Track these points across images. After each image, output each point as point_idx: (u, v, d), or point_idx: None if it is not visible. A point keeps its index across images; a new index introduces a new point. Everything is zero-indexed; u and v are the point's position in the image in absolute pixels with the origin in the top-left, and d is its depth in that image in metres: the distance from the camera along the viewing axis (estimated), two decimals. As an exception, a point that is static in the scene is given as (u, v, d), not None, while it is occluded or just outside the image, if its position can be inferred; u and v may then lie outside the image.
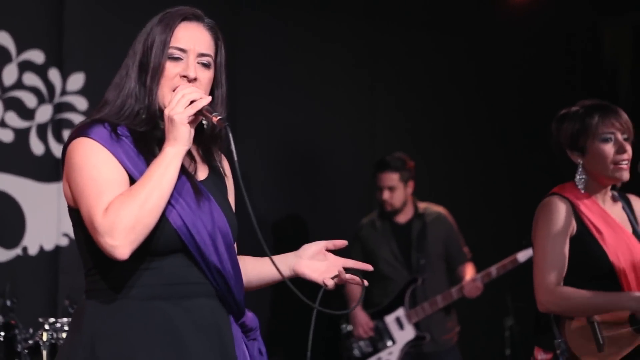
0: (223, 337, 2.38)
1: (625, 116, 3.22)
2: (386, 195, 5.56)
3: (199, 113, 2.30)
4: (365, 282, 2.49)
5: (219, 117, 2.30)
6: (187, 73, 2.35)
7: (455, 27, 6.53)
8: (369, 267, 2.53)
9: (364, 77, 6.34)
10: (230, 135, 2.29)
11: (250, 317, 2.47)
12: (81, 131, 2.31)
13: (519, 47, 6.66)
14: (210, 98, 2.32)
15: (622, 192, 3.35)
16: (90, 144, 2.28)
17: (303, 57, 5.97)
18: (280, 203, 5.92)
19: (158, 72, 2.34)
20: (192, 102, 2.29)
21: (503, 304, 6.14)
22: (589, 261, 3.19)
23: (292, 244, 6.59)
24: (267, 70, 5.71)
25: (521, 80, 6.67)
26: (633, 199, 3.36)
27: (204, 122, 2.38)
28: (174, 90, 2.33)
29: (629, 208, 3.32)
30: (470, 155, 6.56)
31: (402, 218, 5.64)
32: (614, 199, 3.31)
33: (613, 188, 3.32)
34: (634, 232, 3.27)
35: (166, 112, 2.29)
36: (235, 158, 2.26)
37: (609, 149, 3.19)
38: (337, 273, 2.51)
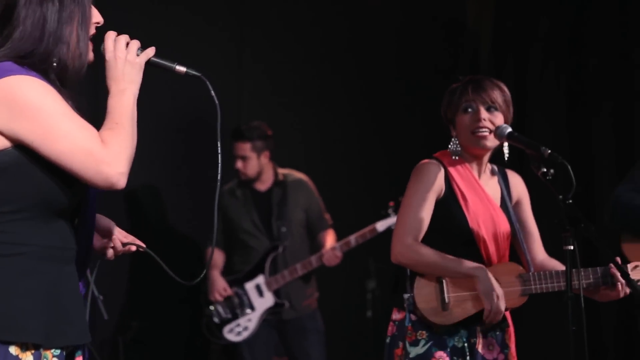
0: (84, 305, 2.36)
1: (492, 88, 3.29)
2: (239, 164, 5.55)
3: (149, 62, 2.36)
4: (142, 244, 2.56)
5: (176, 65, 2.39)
6: (100, 19, 2.35)
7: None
8: (141, 244, 2.59)
9: (231, 44, 6.27)
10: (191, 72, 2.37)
11: (80, 284, 2.46)
12: (15, 71, 2.19)
13: (391, 15, 6.69)
14: (154, 47, 2.37)
15: (503, 167, 3.43)
16: (37, 81, 2.19)
17: (166, 22, 5.84)
18: (141, 171, 5.80)
19: (87, 18, 2.30)
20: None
21: (365, 268, 6.23)
22: (449, 225, 3.28)
23: (151, 213, 6.52)
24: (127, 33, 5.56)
25: (393, 49, 6.71)
26: (511, 174, 3.46)
27: None
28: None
29: (504, 183, 3.41)
30: (339, 124, 6.57)
31: (262, 186, 5.63)
32: (492, 173, 3.41)
33: (495, 162, 3.40)
34: (503, 206, 3.36)
35: (120, 54, 2.31)
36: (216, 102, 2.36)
37: (467, 119, 3.29)
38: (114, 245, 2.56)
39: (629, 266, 3.27)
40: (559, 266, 3.33)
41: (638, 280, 3.25)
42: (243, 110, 6.23)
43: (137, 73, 2.32)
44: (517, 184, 3.45)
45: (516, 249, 3.41)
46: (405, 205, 3.27)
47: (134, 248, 2.57)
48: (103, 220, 2.52)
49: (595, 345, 6.16)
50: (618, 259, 3.23)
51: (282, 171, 5.67)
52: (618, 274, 3.16)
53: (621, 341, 6.16)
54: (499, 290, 3.15)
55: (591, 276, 3.23)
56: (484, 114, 3.26)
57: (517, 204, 3.44)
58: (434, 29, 6.86)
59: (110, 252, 2.54)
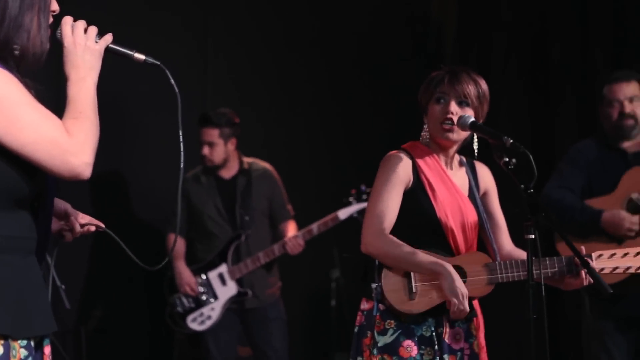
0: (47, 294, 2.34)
1: (468, 83, 3.30)
2: (206, 150, 5.53)
3: (107, 48, 2.34)
4: (102, 225, 2.57)
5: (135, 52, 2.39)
6: (56, 7, 2.32)
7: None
8: (99, 223, 2.58)
9: (196, 32, 6.24)
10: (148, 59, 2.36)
11: None
12: None
13: (355, 5, 6.68)
14: (111, 34, 2.35)
15: (471, 159, 3.45)
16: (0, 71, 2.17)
17: (130, 9, 5.80)
18: (104, 158, 5.76)
19: (47, 6, 2.27)
20: None
21: (329, 257, 6.24)
22: (418, 215, 3.29)
23: (113, 200, 6.46)
24: (92, 23, 5.52)
25: (357, 39, 6.71)
26: (479, 166, 3.47)
27: None
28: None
29: (472, 174, 3.43)
30: (302, 114, 6.57)
31: (227, 173, 5.62)
32: (460, 164, 3.43)
33: (464, 154, 3.42)
34: (471, 196, 3.38)
35: (80, 41, 2.29)
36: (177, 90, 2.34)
37: (438, 109, 3.30)
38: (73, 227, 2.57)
39: (594, 255, 3.30)
40: (525, 256, 3.35)
41: (602, 269, 3.29)
42: (208, 100, 6.21)
43: (96, 60, 2.30)
44: (485, 175, 3.47)
45: (483, 239, 3.42)
46: (373, 197, 3.28)
47: (93, 228, 2.55)
48: (57, 202, 2.50)
49: (556, 333, 6.23)
50: (582, 248, 3.27)
51: (247, 160, 5.66)
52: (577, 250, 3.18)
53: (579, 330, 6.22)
54: (463, 288, 3.17)
55: (556, 265, 3.25)
56: (454, 107, 3.27)
57: (485, 195, 3.45)
58: (399, 19, 6.88)
59: (68, 235, 2.52)
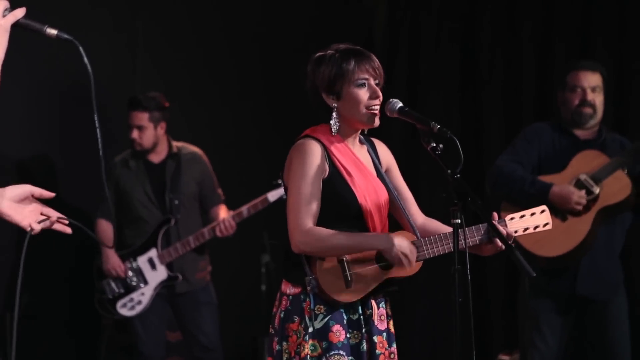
0: None
1: (377, 62, 3.28)
2: (135, 134, 5.48)
3: (17, 23, 2.28)
4: (69, 230, 2.48)
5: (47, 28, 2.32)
6: None
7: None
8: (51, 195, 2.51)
9: (124, 15, 6.17)
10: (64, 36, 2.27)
11: None
12: None
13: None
14: (24, 8, 2.28)
15: (368, 136, 3.44)
16: None
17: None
18: (32, 142, 5.70)
19: None
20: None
21: (259, 241, 6.24)
22: (339, 203, 3.25)
23: (40, 184, 6.36)
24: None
25: (287, 25, 6.70)
26: (377, 143, 3.45)
27: None
28: None
29: (373, 152, 3.41)
30: (229, 96, 6.55)
31: (156, 157, 5.58)
32: (360, 143, 3.39)
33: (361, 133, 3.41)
34: (379, 175, 3.38)
35: None
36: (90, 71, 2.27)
37: (363, 94, 3.24)
38: (43, 217, 2.50)
39: (506, 219, 3.34)
40: (441, 226, 3.37)
41: (516, 231, 3.33)
42: (136, 84, 6.15)
43: (3, 36, 2.25)
44: (384, 151, 3.44)
45: (395, 216, 3.41)
46: (294, 191, 3.21)
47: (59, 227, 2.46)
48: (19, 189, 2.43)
49: (481, 316, 6.32)
50: (495, 215, 3.31)
51: (176, 144, 5.63)
52: (499, 229, 3.23)
53: (507, 312, 6.33)
54: (403, 248, 3.17)
55: (482, 232, 3.27)
56: (377, 90, 3.25)
57: (388, 171, 3.43)
58: (329, 5, 6.89)
59: (36, 228, 2.45)
